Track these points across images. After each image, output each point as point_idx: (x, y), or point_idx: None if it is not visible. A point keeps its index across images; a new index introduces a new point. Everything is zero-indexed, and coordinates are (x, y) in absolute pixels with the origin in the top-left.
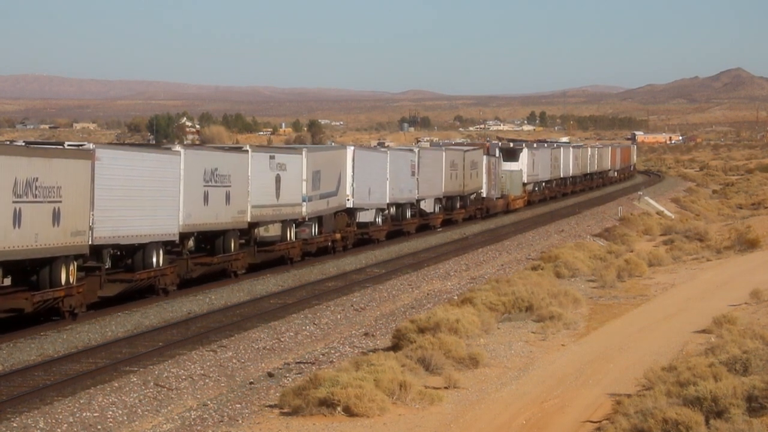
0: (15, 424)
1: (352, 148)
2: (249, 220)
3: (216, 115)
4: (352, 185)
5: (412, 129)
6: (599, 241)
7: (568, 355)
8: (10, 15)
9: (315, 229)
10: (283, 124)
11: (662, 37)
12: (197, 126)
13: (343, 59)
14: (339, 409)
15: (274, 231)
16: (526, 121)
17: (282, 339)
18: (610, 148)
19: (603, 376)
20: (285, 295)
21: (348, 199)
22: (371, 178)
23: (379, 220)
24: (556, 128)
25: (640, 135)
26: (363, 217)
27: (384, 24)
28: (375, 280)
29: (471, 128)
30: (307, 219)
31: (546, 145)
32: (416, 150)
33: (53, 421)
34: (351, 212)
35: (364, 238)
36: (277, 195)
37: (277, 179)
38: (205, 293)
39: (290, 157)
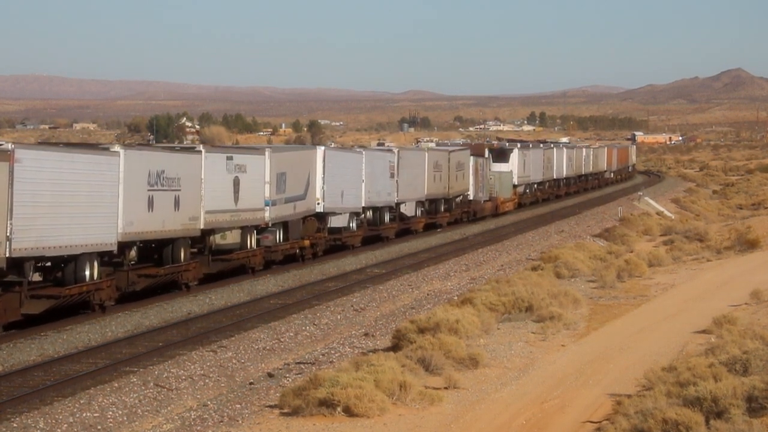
0: (15, 424)
1: (323, 148)
2: (202, 227)
3: (216, 115)
4: (323, 188)
5: (412, 129)
6: (599, 242)
7: (568, 355)
8: (10, 15)
9: (279, 236)
10: (283, 125)
11: (662, 37)
12: (197, 126)
13: (343, 59)
14: (339, 409)
15: (232, 238)
16: (526, 122)
17: (282, 339)
18: (606, 148)
19: (603, 376)
20: (285, 296)
21: (318, 203)
22: (344, 181)
23: (353, 224)
24: (556, 128)
25: (640, 135)
26: (335, 222)
27: (384, 24)
28: (375, 281)
29: (471, 128)
30: (270, 225)
31: (539, 145)
32: (396, 150)
33: (53, 421)
34: (321, 217)
35: (336, 245)
36: (236, 199)
37: (236, 182)
38: (205, 293)
39: (251, 158)
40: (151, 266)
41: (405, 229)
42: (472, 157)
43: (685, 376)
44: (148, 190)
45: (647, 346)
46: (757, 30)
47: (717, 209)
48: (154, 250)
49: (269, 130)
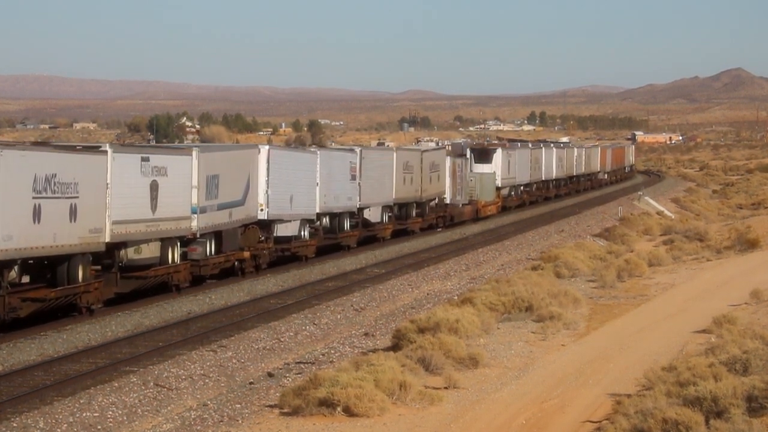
0: (15, 424)
1: (267, 147)
2: (108, 240)
3: (216, 115)
4: (267, 192)
5: (412, 129)
6: (599, 241)
7: (568, 355)
8: (10, 15)
9: (210, 248)
10: (283, 124)
11: (662, 37)
12: (197, 126)
13: (343, 59)
14: (339, 409)
15: (149, 252)
16: (526, 121)
17: (282, 339)
18: (599, 148)
19: (603, 376)
20: (285, 295)
21: (261, 209)
22: (294, 184)
23: (305, 233)
24: (556, 128)
25: (640, 135)
26: (283, 230)
27: (384, 24)
28: (375, 280)
29: (471, 128)
30: (198, 235)
31: (527, 144)
32: (358, 150)
33: (53, 421)
34: (266, 225)
35: (285, 256)
36: (154, 207)
37: (153, 187)
38: (205, 293)
39: (174, 159)
40: (41, 287)
41: (370, 236)
42: (448, 158)
43: (685, 376)
44: (34, 198)
45: (647, 345)
46: (757, 30)
47: (717, 209)
48: (47, 269)
49: (269, 129)
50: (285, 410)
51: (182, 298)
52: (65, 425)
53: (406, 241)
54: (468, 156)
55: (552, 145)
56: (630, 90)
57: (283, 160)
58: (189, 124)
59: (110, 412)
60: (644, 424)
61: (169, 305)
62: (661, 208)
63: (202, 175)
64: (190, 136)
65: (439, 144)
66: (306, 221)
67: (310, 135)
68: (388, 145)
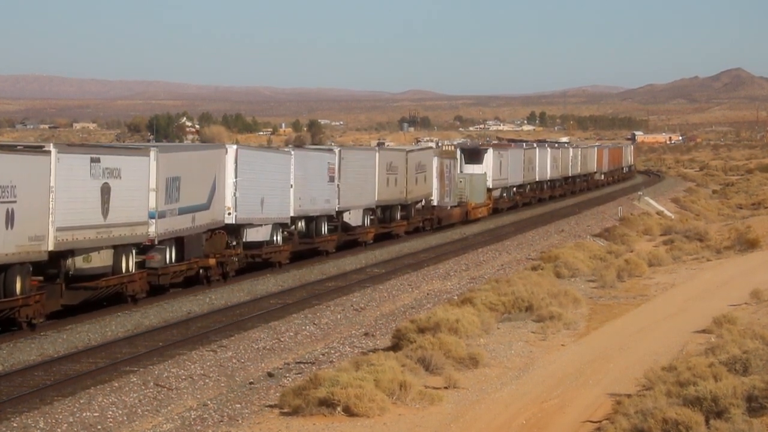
0: (15, 424)
1: (234, 147)
2: (51, 248)
3: (216, 115)
4: (235, 195)
5: (412, 129)
6: (599, 241)
7: (568, 355)
8: (10, 15)
9: (171, 255)
10: (283, 124)
11: (662, 37)
12: (197, 126)
13: (343, 59)
14: (339, 409)
15: (99, 261)
16: (526, 121)
17: (282, 339)
18: (596, 148)
19: (603, 376)
20: (285, 295)
21: (229, 213)
22: (266, 186)
23: (278, 238)
24: (556, 128)
25: (640, 135)
26: (253, 235)
27: (384, 24)
28: (375, 280)
29: (471, 128)
30: (157, 242)
31: (521, 144)
32: (337, 150)
33: (53, 421)
34: (234, 230)
35: (255, 262)
36: (105, 211)
37: (105, 190)
38: (205, 293)
39: (128, 160)
40: None
41: (350, 240)
42: (436, 158)
43: (685, 376)
44: None
45: (647, 345)
46: (757, 30)
47: (717, 209)
48: None
49: (269, 130)
50: (285, 410)
51: (182, 298)
52: (65, 425)
53: (405, 241)
54: (458, 156)
55: (546, 145)
56: (630, 90)
57: (253, 160)
58: (189, 124)
59: (110, 412)
60: (644, 424)
61: (169, 305)
62: (661, 208)
63: (161, 177)
64: (190, 136)
65: (439, 144)
66: (279, 225)
67: (310, 135)
68: (387, 145)
